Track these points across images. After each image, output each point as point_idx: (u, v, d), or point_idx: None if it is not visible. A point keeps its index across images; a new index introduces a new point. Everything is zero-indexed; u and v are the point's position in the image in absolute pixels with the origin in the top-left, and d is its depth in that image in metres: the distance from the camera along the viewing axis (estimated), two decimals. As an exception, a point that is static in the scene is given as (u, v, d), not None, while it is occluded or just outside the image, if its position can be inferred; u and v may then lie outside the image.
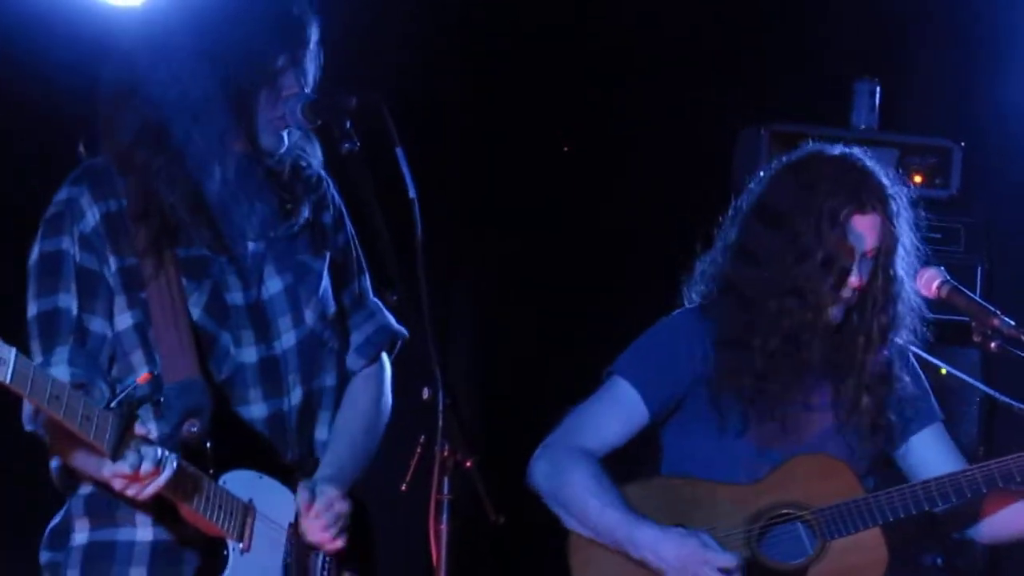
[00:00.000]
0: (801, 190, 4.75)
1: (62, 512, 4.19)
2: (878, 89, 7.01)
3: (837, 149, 4.84)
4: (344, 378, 4.39)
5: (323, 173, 4.34)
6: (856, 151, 4.83)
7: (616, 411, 4.82)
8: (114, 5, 5.83)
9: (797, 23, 7.33)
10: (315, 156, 4.29)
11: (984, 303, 4.73)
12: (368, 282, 4.45)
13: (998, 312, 4.67)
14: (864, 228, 4.71)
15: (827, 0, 7.32)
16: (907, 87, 7.21)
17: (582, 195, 7.33)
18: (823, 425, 4.81)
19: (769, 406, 4.74)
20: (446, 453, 3.67)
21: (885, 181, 4.77)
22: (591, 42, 7.23)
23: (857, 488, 4.71)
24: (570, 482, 4.74)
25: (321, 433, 4.32)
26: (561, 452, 4.79)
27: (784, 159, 4.89)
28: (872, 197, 4.72)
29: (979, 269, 6.81)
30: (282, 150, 4.18)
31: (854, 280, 4.71)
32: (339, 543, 4.18)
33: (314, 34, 4.15)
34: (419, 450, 3.69)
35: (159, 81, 4.06)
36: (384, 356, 4.46)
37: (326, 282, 4.31)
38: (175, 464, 3.88)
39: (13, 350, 3.60)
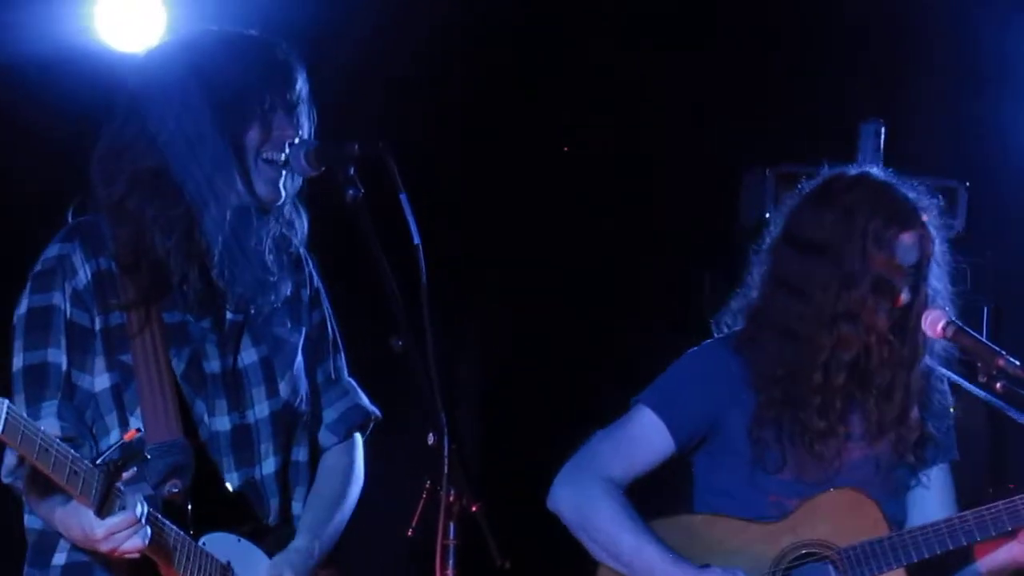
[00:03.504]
0: (839, 216, 4.71)
1: None
2: (883, 130, 7.01)
3: (854, 169, 4.84)
4: (316, 454, 4.38)
5: (303, 251, 4.35)
6: (872, 169, 4.83)
7: (642, 441, 4.78)
8: (118, 51, 5.89)
9: (802, 64, 7.35)
10: (301, 232, 4.30)
11: (990, 343, 4.71)
12: (343, 362, 4.45)
13: (1004, 352, 4.65)
14: (910, 244, 4.69)
15: (832, 41, 7.34)
16: (912, 127, 7.21)
17: (588, 233, 7.33)
18: (857, 453, 4.77)
19: (809, 441, 4.70)
20: (452, 498, 3.66)
21: (912, 193, 4.76)
22: (598, 81, 7.25)
23: (883, 525, 4.68)
24: (599, 516, 4.71)
25: (296, 508, 4.31)
26: (586, 479, 4.76)
27: (804, 188, 4.85)
28: (911, 213, 4.71)
29: (986, 309, 6.79)
30: (279, 202, 4.18)
31: (904, 297, 4.69)
32: None
33: (302, 82, 4.18)
34: (424, 495, 3.68)
35: (154, 123, 4.09)
36: (357, 435, 4.45)
37: (300, 357, 4.31)
38: (162, 521, 3.90)
39: (5, 402, 3.60)
